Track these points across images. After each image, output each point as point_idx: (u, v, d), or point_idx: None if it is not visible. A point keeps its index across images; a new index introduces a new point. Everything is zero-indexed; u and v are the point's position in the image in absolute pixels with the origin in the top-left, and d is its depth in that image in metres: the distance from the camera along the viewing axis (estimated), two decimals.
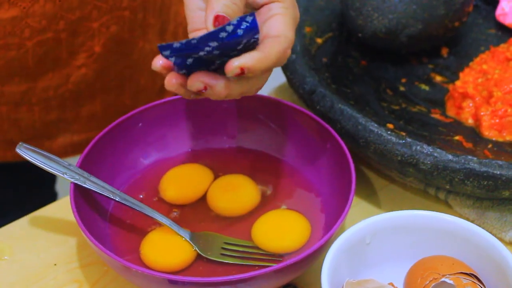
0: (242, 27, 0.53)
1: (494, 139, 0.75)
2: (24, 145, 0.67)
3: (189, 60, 0.55)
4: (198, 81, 0.56)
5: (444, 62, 0.86)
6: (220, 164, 0.74)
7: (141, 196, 0.72)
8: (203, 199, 0.71)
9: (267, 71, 0.58)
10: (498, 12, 0.90)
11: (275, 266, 0.59)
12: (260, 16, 0.58)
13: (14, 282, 0.67)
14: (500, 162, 0.66)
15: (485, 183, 0.66)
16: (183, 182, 0.72)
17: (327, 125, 0.70)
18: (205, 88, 0.56)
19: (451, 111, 0.79)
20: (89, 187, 0.66)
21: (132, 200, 0.67)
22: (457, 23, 0.84)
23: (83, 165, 0.67)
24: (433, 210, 0.64)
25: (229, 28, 0.53)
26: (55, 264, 0.69)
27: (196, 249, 0.66)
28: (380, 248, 0.63)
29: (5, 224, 0.73)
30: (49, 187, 1.04)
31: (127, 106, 0.86)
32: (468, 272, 0.60)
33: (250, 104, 0.75)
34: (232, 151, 0.76)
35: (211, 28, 0.55)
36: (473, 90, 0.77)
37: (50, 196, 1.04)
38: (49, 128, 0.85)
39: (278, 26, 0.58)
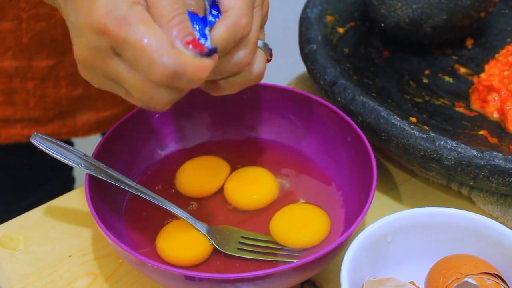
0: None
1: None
2: (39, 135, 0.66)
3: None
4: None
5: (469, 53, 0.84)
6: (238, 156, 0.73)
7: (158, 188, 0.70)
8: (220, 192, 0.70)
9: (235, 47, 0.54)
10: None
11: (294, 263, 0.57)
12: None
13: (28, 274, 0.66)
14: None
15: (510, 180, 0.65)
16: (200, 174, 0.71)
17: (348, 118, 0.69)
18: None
19: (475, 105, 0.77)
20: (104, 179, 0.65)
21: (148, 192, 0.66)
22: (482, 14, 0.82)
23: (99, 156, 0.66)
24: (455, 206, 0.63)
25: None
26: (69, 256, 0.68)
27: (213, 243, 0.64)
28: (401, 245, 0.62)
29: (22, 209, 0.72)
30: (68, 170, 1.03)
31: None
32: (492, 272, 0.58)
33: (268, 95, 0.73)
34: (250, 143, 0.75)
35: None
36: (498, 83, 0.75)
37: (68, 179, 1.03)
38: (74, 104, 0.84)
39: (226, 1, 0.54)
